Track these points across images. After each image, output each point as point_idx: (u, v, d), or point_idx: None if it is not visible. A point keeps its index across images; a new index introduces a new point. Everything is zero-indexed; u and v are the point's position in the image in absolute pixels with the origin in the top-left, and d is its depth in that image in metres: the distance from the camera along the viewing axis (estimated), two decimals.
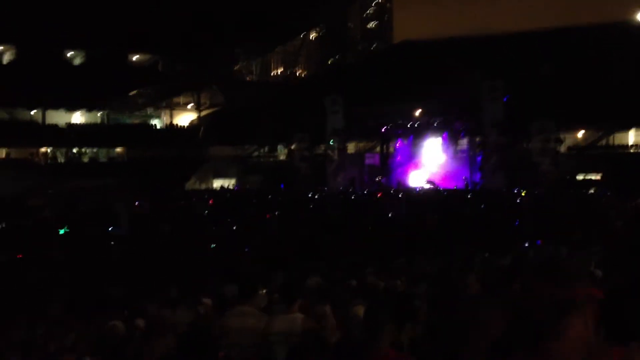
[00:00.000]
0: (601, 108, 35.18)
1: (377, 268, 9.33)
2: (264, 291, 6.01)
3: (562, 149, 37.25)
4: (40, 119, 46.68)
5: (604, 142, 39.64)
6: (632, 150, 37.26)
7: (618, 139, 39.02)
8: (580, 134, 39.98)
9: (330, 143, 39.64)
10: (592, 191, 29.80)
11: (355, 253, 11.18)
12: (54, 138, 45.04)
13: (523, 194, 27.57)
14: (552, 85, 37.19)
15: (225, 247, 12.64)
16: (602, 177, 33.82)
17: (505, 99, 34.78)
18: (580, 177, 35.36)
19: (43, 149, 45.49)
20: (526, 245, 11.23)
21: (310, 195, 29.61)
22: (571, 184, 33.07)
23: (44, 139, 44.71)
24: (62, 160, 45.60)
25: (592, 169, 34.82)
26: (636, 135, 38.32)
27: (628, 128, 38.17)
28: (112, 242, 12.90)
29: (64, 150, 46.16)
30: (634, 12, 48.95)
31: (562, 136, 36.37)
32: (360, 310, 5.52)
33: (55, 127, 46.11)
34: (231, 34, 49.97)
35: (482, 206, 20.48)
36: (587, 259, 8.11)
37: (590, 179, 34.38)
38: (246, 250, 12.12)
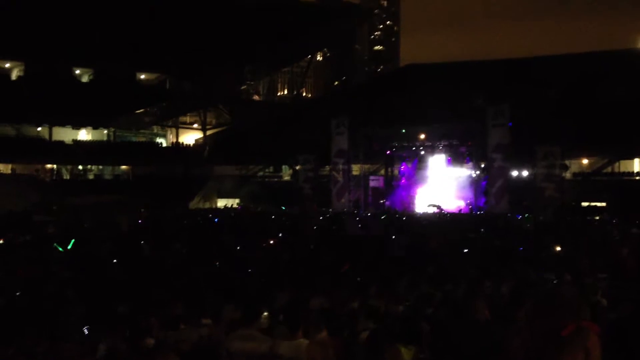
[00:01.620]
0: (607, 135, 35.24)
1: (381, 289, 9.28)
2: (266, 313, 5.97)
3: (568, 175, 37.23)
4: (46, 136, 46.90)
5: (609, 169, 39.63)
6: (637, 178, 37.24)
7: (623, 166, 39.03)
8: (586, 160, 40.01)
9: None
10: (597, 218, 29.70)
11: (359, 274, 11.13)
12: (60, 154, 45.22)
13: (527, 220, 27.46)
14: (558, 111, 37.27)
15: (229, 267, 12.59)
16: (607, 204, 33.74)
17: (510, 124, 34.86)
18: (585, 203, 35.27)
19: (49, 166, 45.68)
20: (530, 271, 11.14)
21: (312, 216, 29.54)
22: (576, 211, 32.98)
23: (50, 156, 44.91)
24: (67, 177, 45.76)
25: (598, 196, 34.75)
26: None
27: (632, 156, 38.19)
28: (115, 260, 12.86)
29: (69, 167, 46.33)
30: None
31: (567, 162, 36.36)
32: (363, 334, 5.50)
33: (61, 143, 46.31)
34: (239, 54, 50.33)
35: (482, 230, 20.40)
36: (593, 288, 8.06)
37: (596, 206, 34.30)
38: (249, 271, 12.05)
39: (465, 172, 38.04)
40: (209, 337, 6.31)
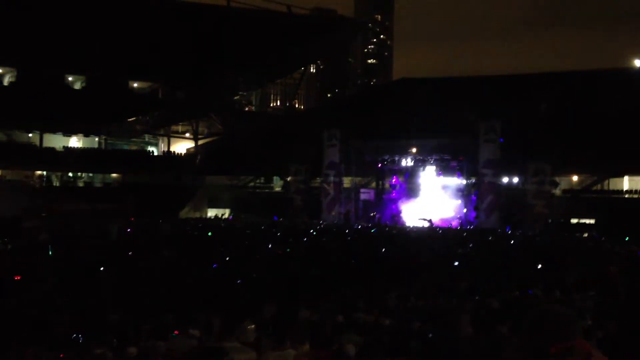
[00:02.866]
0: (597, 153, 35.47)
1: (368, 303, 9.30)
2: (253, 326, 5.95)
3: (557, 191, 37.43)
4: (37, 142, 46.69)
5: (598, 186, 39.86)
6: (626, 196, 37.45)
7: (613, 183, 39.25)
8: (575, 177, 40.23)
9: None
10: (585, 235, 29.83)
11: (347, 287, 11.14)
12: (50, 161, 45.00)
13: (516, 235, 27.55)
14: (549, 128, 37.51)
15: (217, 278, 12.56)
16: (596, 221, 33.91)
17: (501, 140, 35.08)
18: (574, 220, 35.44)
19: (39, 172, 45.44)
20: (517, 288, 11.18)
21: (304, 228, 29.53)
22: (565, 227, 33.12)
23: (40, 162, 44.68)
24: (57, 184, 45.53)
25: (586, 213, 34.92)
26: (631, 181, 38.54)
27: (622, 175, 38.44)
28: (103, 268, 12.80)
29: (59, 173, 46.12)
30: (632, 58, 49.69)
31: (557, 179, 36.58)
32: (351, 347, 5.50)
33: (52, 150, 46.11)
34: (232, 64, 50.40)
35: (471, 245, 20.46)
36: (581, 305, 8.10)
37: (584, 223, 34.47)
38: (238, 282, 12.03)
39: (455, 182, 38.18)
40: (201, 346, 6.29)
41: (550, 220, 33.60)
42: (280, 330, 5.03)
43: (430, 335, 6.07)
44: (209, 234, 24.13)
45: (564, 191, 39.00)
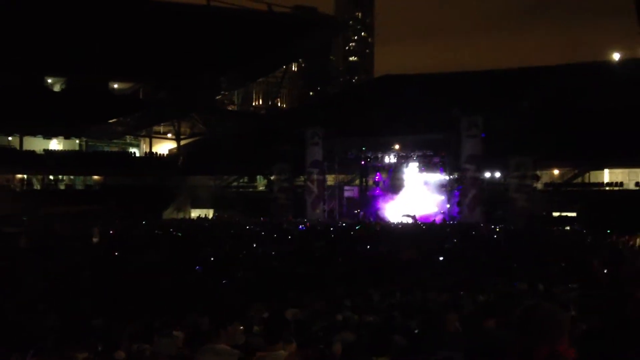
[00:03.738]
0: (577, 146, 35.80)
1: (354, 301, 9.32)
2: (242, 327, 5.91)
3: (539, 185, 37.74)
4: (17, 145, 46.17)
5: (579, 179, 40.22)
6: (607, 189, 37.82)
7: (594, 176, 39.63)
8: (557, 171, 40.56)
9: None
10: (567, 228, 30.10)
11: (333, 285, 11.15)
12: (31, 164, 44.50)
13: (498, 230, 27.74)
14: (530, 123, 37.78)
15: (202, 278, 12.52)
16: (577, 214, 34.22)
17: (483, 135, 35.29)
18: (556, 214, 35.75)
19: (19, 176, 44.93)
20: (502, 282, 11.26)
21: (286, 227, 29.53)
22: (547, 221, 33.40)
23: (21, 165, 44.16)
24: (38, 187, 45.07)
25: (568, 206, 35.23)
26: (611, 174, 38.94)
27: (602, 167, 38.82)
28: (88, 271, 12.71)
29: (40, 177, 45.64)
30: (611, 52, 50.20)
31: (538, 173, 36.87)
32: (339, 345, 5.51)
33: (32, 153, 45.61)
34: (213, 64, 50.17)
35: (455, 240, 20.57)
36: (565, 298, 8.17)
37: (566, 216, 34.78)
38: (224, 282, 12.00)
39: (438, 177, 38.37)
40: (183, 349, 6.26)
41: (532, 214, 33.84)
42: (273, 330, 4.99)
43: (417, 331, 6.10)
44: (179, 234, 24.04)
45: (546, 185, 39.32)
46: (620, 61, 48.78)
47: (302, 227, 29.92)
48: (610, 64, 48.34)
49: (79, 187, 47.52)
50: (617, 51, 50.01)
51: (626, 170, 38.13)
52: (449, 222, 35.01)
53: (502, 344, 3.06)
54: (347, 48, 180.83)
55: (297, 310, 8.09)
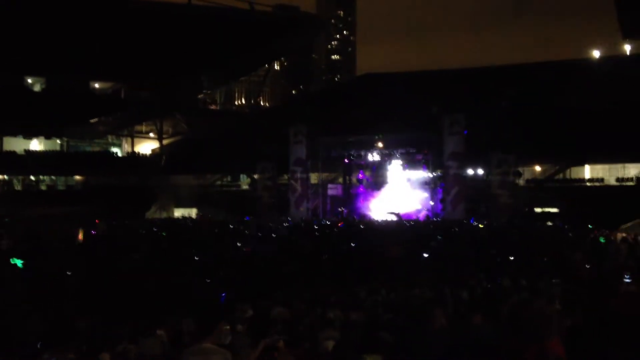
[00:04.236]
0: (558, 142, 36.14)
1: (341, 298, 9.33)
2: (228, 327, 5.89)
3: (521, 181, 38.05)
4: None
5: (561, 175, 40.62)
6: (588, 184, 38.22)
7: (575, 172, 40.05)
8: (538, 167, 40.93)
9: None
10: (549, 224, 30.37)
11: (319, 283, 11.15)
12: (11, 165, 44.02)
13: (481, 226, 27.90)
14: (511, 119, 38.08)
15: (186, 278, 12.45)
16: (559, 210, 34.55)
17: (465, 132, 35.49)
18: (538, 210, 36.06)
19: (0, 176, 44.45)
20: (486, 278, 11.33)
21: (272, 225, 29.44)
22: (529, 217, 33.66)
23: (1, 166, 43.68)
24: (19, 188, 44.59)
25: (550, 202, 35.57)
26: (592, 169, 39.36)
27: (583, 163, 39.23)
28: (70, 272, 12.58)
29: (20, 177, 45.16)
30: (591, 50, 50.74)
31: (520, 169, 37.17)
32: (327, 343, 5.51)
33: (12, 154, 45.11)
34: (195, 63, 49.95)
35: (439, 237, 20.64)
36: (549, 293, 8.24)
37: (549, 212, 35.09)
38: (208, 281, 11.95)
39: (421, 175, 38.56)
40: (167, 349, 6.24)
41: (514, 210, 34.11)
42: (258, 329, 4.99)
43: (403, 328, 6.12)
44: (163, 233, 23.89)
45: (527, 181, 39.67)
46: (600, 59, 49.31)
47: (285, 224, 29.86)
48: (590, 62, 48.83)
49: (61, 187, 47.10)
50: (597, 49, 50.58)
51: (606, 166, 38.57)
52: (433, 219, 35.18)
53: (490, 340, 3.08)
54: (329, 47, 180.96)
55: (283, 309, 8.08)
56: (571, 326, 4.79)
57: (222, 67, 53.19)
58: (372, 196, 39.79)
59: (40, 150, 48.04)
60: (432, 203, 37.57)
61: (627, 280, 9.05)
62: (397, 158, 39.07)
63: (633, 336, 4.39)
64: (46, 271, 12.64)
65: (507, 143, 35.08)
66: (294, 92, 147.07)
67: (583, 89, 39.06)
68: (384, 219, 35.73)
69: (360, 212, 38.93)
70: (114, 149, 54.13)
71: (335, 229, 26.59)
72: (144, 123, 56.18)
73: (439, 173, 37.61)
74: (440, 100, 39.90)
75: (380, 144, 39.49)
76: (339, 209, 40.16)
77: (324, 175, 43.00)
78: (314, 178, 41.99)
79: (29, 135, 47.60)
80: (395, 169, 39.26)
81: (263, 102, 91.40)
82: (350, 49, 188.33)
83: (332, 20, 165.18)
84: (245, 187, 48.64)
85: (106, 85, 53.91)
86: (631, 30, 42.78)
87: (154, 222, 34.32)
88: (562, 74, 44.48)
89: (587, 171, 39.67)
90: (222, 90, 68.87)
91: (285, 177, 42.29)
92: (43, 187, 46.39)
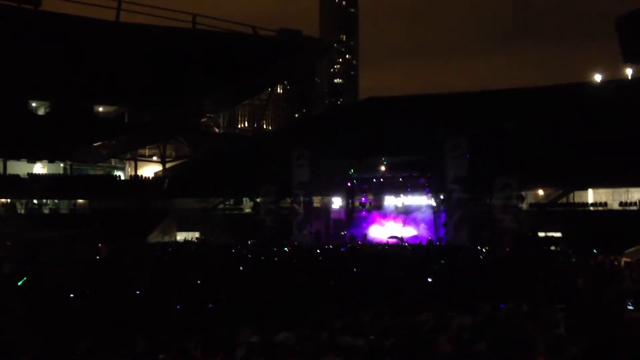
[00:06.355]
0: (561, 166, 36.13)
1: (345, 323, 9.28)
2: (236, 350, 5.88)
3: (524, 206, 37.96)
4: (0, 169, 45.76)
5: (564, 199, 40.54)
6: (591, 209, 38.12)
7: (578, 196, 39.97)
8: (541, 191, 40.87)
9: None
10: (553, 248, 30.25)
11: (323, 307, 11.10)
12: (14, 189, 44.06)
13: (484, 251, 27.81)
14: (514, 144, 38.13)
15: (189, 303, 12.41)
16: (562, 234, 34.43)
17: (468, 156, 35.52)
18: (541, 234, 35.93)
19: (2, 200, 44.48)
20: (489, 304, 11.26)
21: (276, 249, 29.38)
22: (532, 241, 33.54)
23: (4, 190, 43.73)
24: (22, 212, 44.61)
25: (553, 226, 35.45)
26: (595, 194, 39.29)
27: (586, 187, 39.18)
28: (74, 295, 12.57)
29: (24, 201, 45.20)
30: (593, 74, 50.95)
31: (523, 193, 37.10)
32: None
33: (16, 177, 45.20)
34: (199, 87, 50.25)
35: (442, 262, 20.57)
36: (552, 318, 8.20)
37: (552, 236, 34.96)
38: (210, 306, 11.91)
39: (424, 201, 38.54)
40: None
41: (517, 235, 33.98)
42: (265, 354, 4.98)
43: (407, 353, 6.09)
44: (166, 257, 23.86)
45: (531, 205, 39.59)
46: (602, 83, 49.50)
47: (287, 249, 29.80)
48: (593, 86, 49.01)
49: (64, 211, 47.10)
50: (599, 73, 50.80)
51: (610, 190, 38.50)
52: (436, 243, 35.08)
53: None
54: (331, 70, 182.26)
55: (288, 334, 8.04)
56: (579, 354, 4.77)
57: (225, 91, 53.49)
58: (375, 220, 39.75)
59: (43, 174, 48.14)
60: (435, 227, 37.51)
61: (630, 308, 9.00)
62: (400, 182, 39.13)
63: None
64: (48, 293, 12.64)
65: (510, 167, 35.08)
66: (296, 115, 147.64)
67: (585, 113, 39.16)
68: (387, 242, 35.65)
69: (363, 236, 38.86)
70: (117, 173, 54.25)
71: (337, 253, 26.55)
72: (147, 147, 56.35)
73: (441, 197, 37.58)
74: (443, 123, 39.99)
75: (383, 168, 39.55)
76: (342, 233, 40.09)
77: (327, 198, 43.00)
78: (316, 201, 41.98)
79: (32, 159, 47.75)
80: (398, 192, 39.36)
81: (266, 125, 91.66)
82: (352, 72, 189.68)
83: (335, 44, 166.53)
84: (247, 210, 48.62)
85: (110, 108, 54.19)
86: (632, 55, 43.04)
87: (156, 245, 34.31)
88: (565, 98, 44.59)
89: (591, 195, 39.59)
90: (226, 114, 69.14)
91: (288, 200, 42.28)
92: (46, 211, 46.41)
